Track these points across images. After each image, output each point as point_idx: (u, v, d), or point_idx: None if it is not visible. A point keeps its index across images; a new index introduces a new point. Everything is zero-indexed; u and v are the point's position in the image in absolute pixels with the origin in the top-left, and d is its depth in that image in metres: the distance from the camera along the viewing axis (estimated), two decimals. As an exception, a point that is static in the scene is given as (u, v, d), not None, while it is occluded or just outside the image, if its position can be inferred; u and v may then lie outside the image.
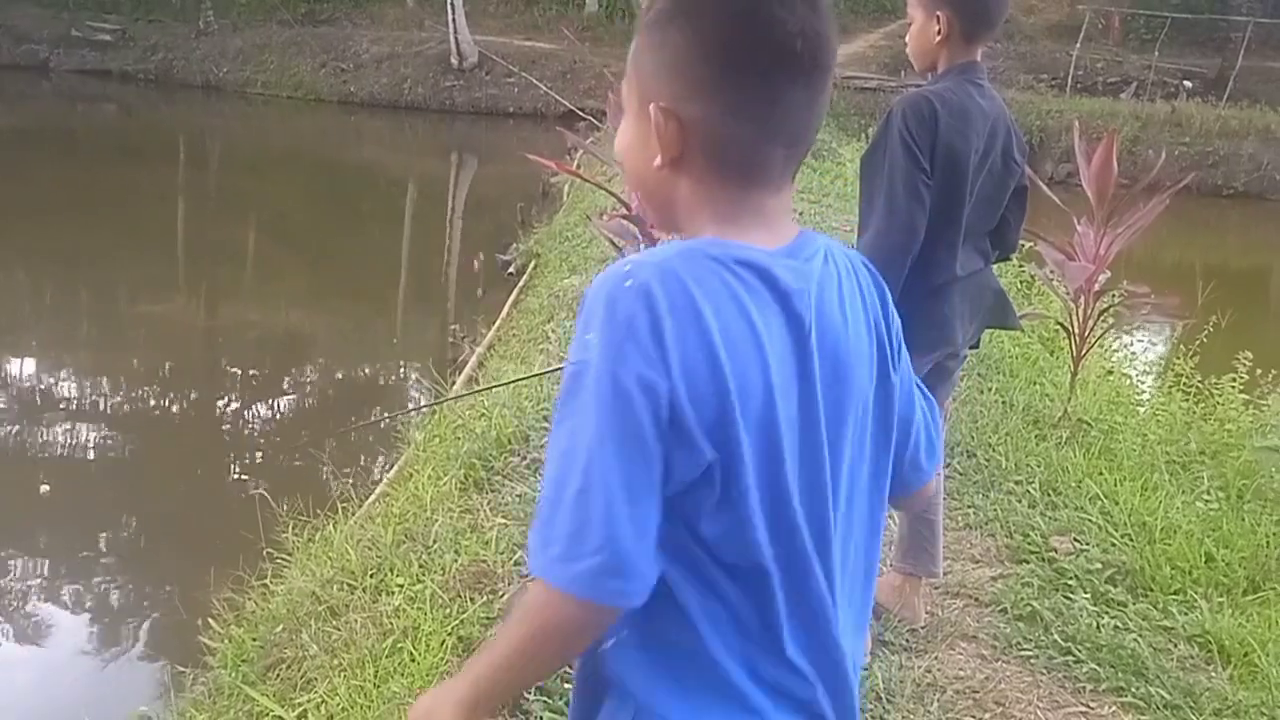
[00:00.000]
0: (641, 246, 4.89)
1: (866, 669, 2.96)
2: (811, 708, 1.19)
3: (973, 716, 2.86)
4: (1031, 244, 5.65)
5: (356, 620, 3.26)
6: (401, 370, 8.80)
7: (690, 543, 1.12)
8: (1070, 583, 3.50)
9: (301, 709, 2.85)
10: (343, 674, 2.97)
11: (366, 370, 9.02)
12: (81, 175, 15.28)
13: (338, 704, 2.80)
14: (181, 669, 3.48)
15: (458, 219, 14.79)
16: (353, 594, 3.41)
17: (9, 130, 19.17)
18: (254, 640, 3.38)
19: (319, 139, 21.27)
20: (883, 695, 2.87)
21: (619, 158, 1.28)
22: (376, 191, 16.99)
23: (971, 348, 3.16)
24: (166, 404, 7.71)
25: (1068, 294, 5.20)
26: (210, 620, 3.61)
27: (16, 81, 23.26)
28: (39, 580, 5.00)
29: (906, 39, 2.97)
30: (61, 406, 7.40)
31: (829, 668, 1.19)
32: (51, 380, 7.97)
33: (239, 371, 8.59)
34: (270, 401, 7.98)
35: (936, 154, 2.74)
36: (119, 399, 7.65)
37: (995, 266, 3.22)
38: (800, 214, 9.31)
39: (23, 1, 25.12)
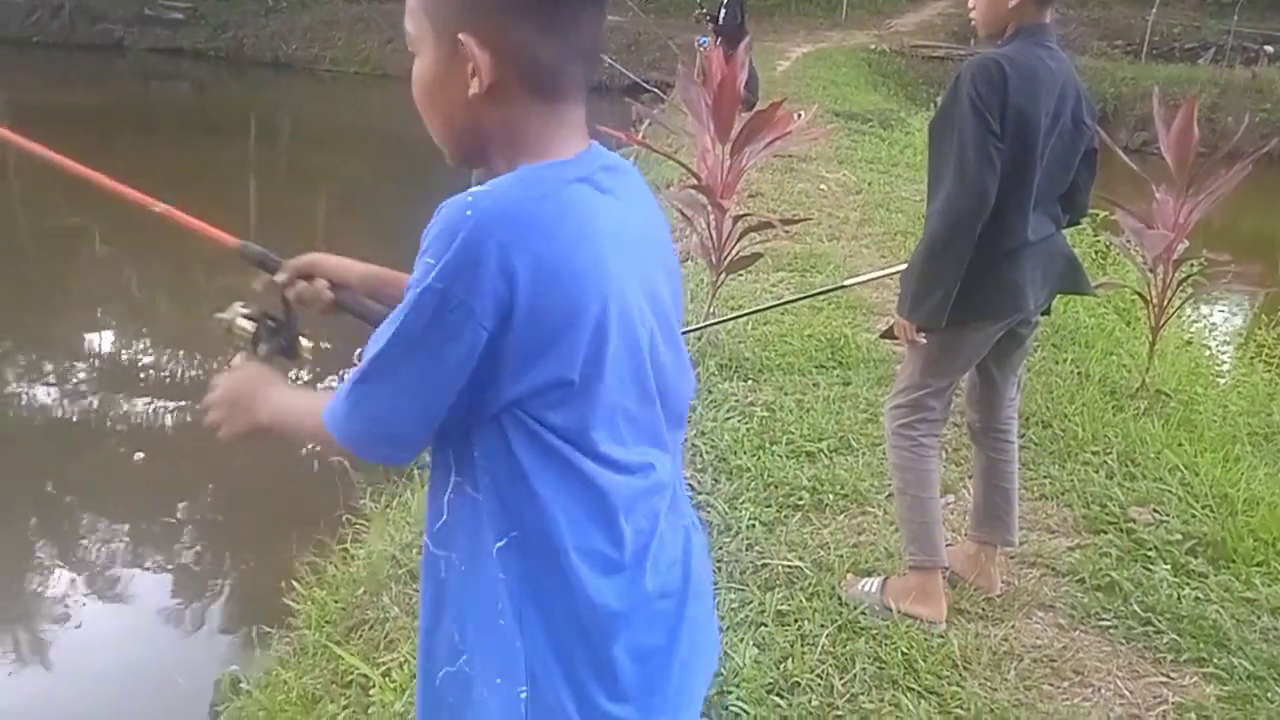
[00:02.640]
0: (711, 217, 4.89)
1: (942, 636, 2.96)
2: None
3: (1051, 685, 2.85)
4: (1108, 212, 5.57)
5: (437, 583, 3.32)
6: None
7: None
8: (1149, 553, 3.46)
9: (385, 668, 2.91)
10: (424, 635, 3.03)
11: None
12: (156, 152, 15.56)
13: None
14: (267, 629, 3.57)
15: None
16: (432, 558, 3.47)
17: (86, 108, 19.57)
18: (336, 602, 3.46)
19: (386, 114, 21.41)
20: (959, 663, 2.87)
21: (418, 98, 1.29)
22: (442, 166, 17.03)
23: (1043, 314, 3.13)
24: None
25: (1145, 263, 5.12)
26: (294, 583, 3.70)
27: (93, 60, 23.75)
28: (131, 545, 5.15)
29: (971, 4, 2.94)
30: (144, 378, 7.58)
31: None
32: (135, 352, 8.16)
33: (312, 344, 8.73)
34: (343, 373, 8.10)
35: (1006, 117, 2.72)
36: (198, 370, 7.81)
37: (1068, 233, 3.18)
38: (869, 184, 9.23)
39: (98, -19, 25.60)
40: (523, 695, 1.23)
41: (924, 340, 2.92)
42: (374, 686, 2.85)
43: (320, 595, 3.52)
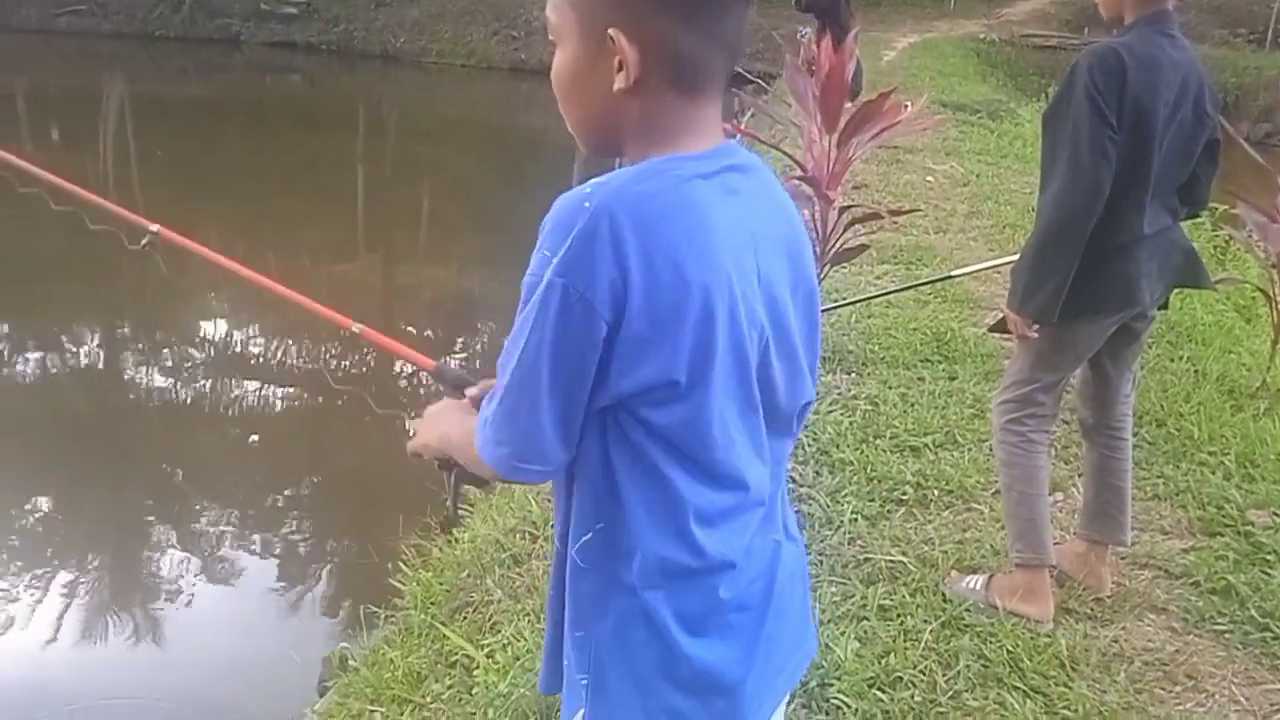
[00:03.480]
0: (816, 208, 4.86)
1: (1049, 636, 2.91)
2: None
3: (1162, 689, 2.78)
4: (1229, 205, 5.39)
5: (539, 568, 3.37)
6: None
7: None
8: (1268, 557, 3.34)
9: (489, 649, 2.96)
10: (527, 618, 3.08)
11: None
12: (269, 143, 16.01)
13: (523, 646, 2.91)
14: (374, 609, 3.65)
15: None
16: (534, 543, 3.53)
17: (204, 100, 20.21)
18: (441, 584, 3.53)
19: (490, 106, 21.74)
20: (1066, 663, 2.82)
21: (557, 88, 1.27)
22: (544, 157, 17.24)
23: (1160, 308, 3.06)
24: (350, 361, 8.03)
25: (1268, 258, 4.94)
26: (400, 564, 3.78)
27: (210, 54, 24.47)
28: (244, 524, 5.32)
29: None
30: (253, 363, 7.82)
31: None
32: (244, 338, 8.41)
33: (414, 331, 8.89)
34: (446, 360, 8.22)
35: (1124, 108, 2.66)
36: (306, 356, 8.02)
37: (1187, 226, 3.10)
38: (977, 176, 9.07)
39: (216, -23, 26.36)
40: (584, 683, 1.27)
41: (1035, 334, 2.87)
42: (477, 667, 2.91)
43: (425, 577, 3.59)
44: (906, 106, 5.41)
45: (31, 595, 4.54)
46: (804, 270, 1.32)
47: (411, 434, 1.49)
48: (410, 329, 8.93)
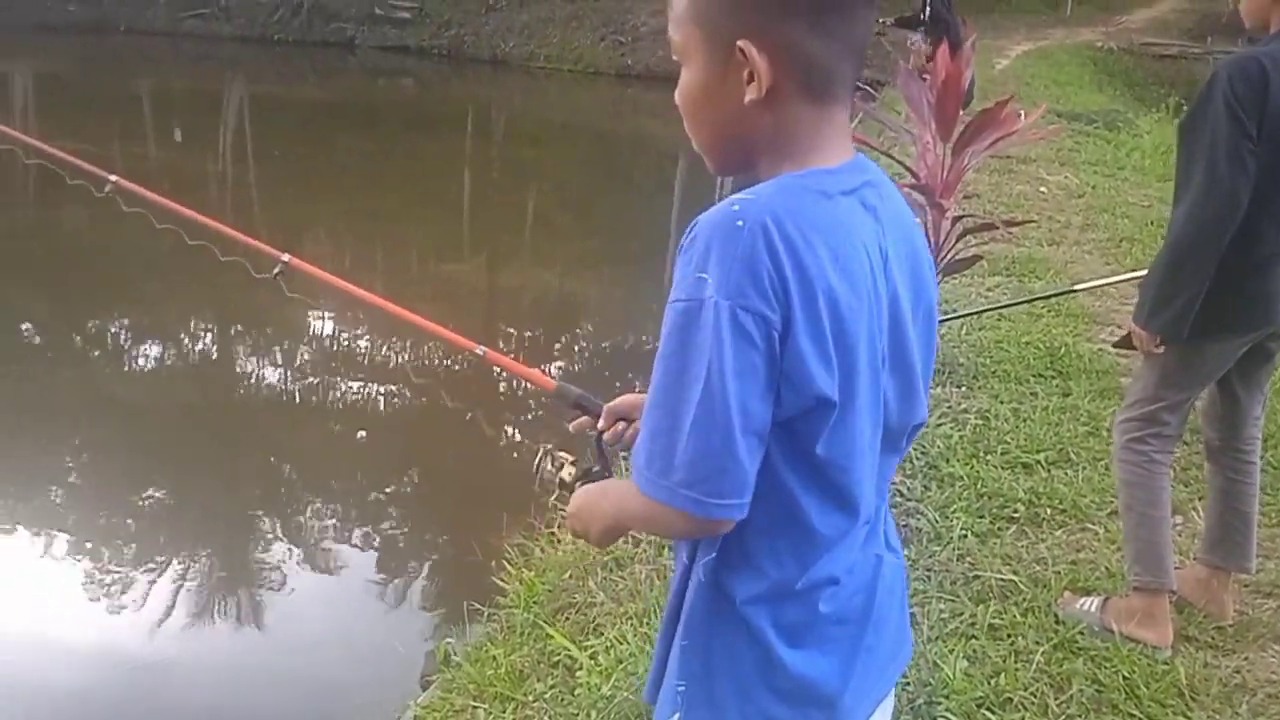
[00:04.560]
0: (929, 218, 4.78)
1: (1167, 663, 2.81)
2: None
3: (1288, 724, 2.67)
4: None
5: (641, 572, 3.38)
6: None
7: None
8: (1403, 591, 3.19)
9: (592, 651, 2.97)
10: (630, 622, 3.08)
11: (640, 334, 9.23)
12: (381, 144, 16.33)
13: (626, 650, 2.91)
14: (477, 606, 3.68)
15: (728, 187, 14.86)
16: (637, 547, 3.53)
17: (319, 103, 20.72)
18: (543, 584, 3.54)
19: (597, 111, 21.88)
20: (1185, 692, 2.72)
21: (684, 107, 1.26)
22: (649, 162, 17.30)
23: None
24: (453, 362, 8.15)
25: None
26: (504, 563, 3.81)
27: (326, 57, 25.10)
28: (352, 518, 5.42)
29: None
30: (361, 360, 7.96)
31: None
32: (353, 335, 8.57)
33: (515, 331, 8.99)
34: (545, 364, 8.29)
35: (1265, 119, 2.57)
36: (412, 354, 8.15)
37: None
38: (1092, 188, 8.85)
39: (332, -18, 27.04)
40: (680, 690, 1.27)
41: (1161, 351, 2.78)
42: (580, 669, 2.92)
43: (528, 576, 3.61)
44: (1022, 115, 5.30)
45: (148, 579, 4.68)
46: (925, 289, 1.31)
47: (580, 533, 1.41)
48: (511, 330, 9.02)
